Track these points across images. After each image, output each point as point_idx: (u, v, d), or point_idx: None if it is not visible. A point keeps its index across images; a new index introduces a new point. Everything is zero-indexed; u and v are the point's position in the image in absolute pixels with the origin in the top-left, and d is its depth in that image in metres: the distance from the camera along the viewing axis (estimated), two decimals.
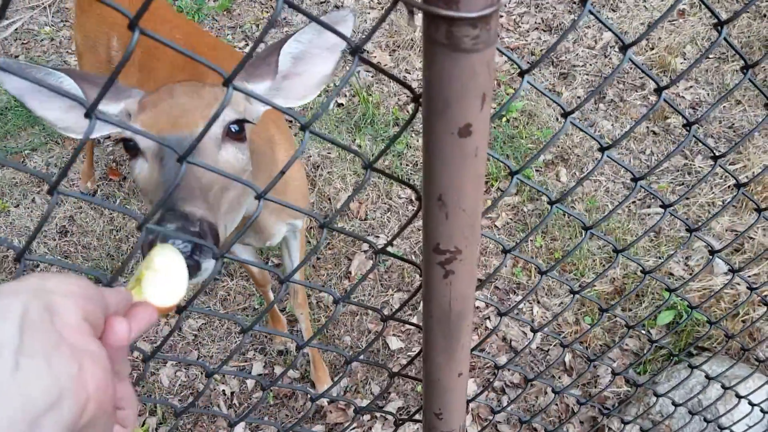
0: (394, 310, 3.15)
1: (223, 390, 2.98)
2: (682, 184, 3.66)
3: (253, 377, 1.14)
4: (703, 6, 4.64)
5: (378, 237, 3.46)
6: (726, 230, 3.40)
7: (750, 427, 2.39)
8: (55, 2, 4.92)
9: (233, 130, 1.38)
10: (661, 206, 1.17)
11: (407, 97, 4.08)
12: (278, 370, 3.04)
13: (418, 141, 3.78)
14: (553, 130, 3.87)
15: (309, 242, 3.41)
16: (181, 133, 1.29)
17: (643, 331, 2.24)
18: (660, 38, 4.33)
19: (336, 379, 2.95)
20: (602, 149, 1.02)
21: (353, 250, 3.42)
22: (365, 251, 3.42)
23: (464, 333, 1.04)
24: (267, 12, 4.81)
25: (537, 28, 4.58)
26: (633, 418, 2.53)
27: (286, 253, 2.59)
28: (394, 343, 3.09)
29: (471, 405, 2.84)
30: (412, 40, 4.42)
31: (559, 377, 2.97)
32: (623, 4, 4.63)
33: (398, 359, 3.04)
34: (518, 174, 0.99)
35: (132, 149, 1.34)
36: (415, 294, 1.09)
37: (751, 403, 2.19)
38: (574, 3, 4.71)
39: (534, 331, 1.43)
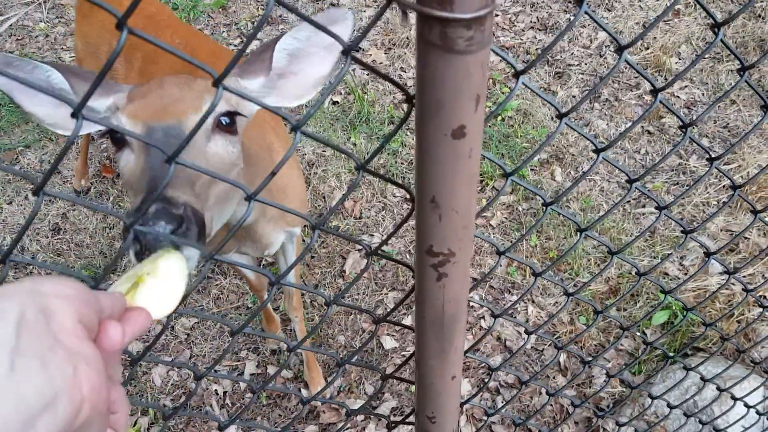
0: (388, 309, 3.14)
1: (216, 390, 2.96)
2: (677, 183, 3.66)
3: (244, 380, 1.13)
4: (698, 5, 4.64)
5: (372, 235, 3.45)
6: (721, 230, 3.40)
7: (746, 429, 2.39)
8: None
9: (224, 122, 1.34)
10: (656, 208, 1.17)
11: (402, 95, 4.07)
12: (271, 369, 3.02)
13: (413, 139, 3.77)
14: (548, 129, 3.86)
15: (304, 240, 3.40)
16: (169, 122, 1.25)
17: (638, 334, 2.24)
18: (655, 38, 4.33)
19: (329, 381, 2.94)
20: (597, 151, 1.01)
21: (348, 249, 3.41)
22: (359, 250, 3.41)
23: (458, 336, 1.03)
24: (263, 9, 4.78)
25: (532, 27, 4.58)
26: (628, 419, 2.52)
27: (281, 257, 2.58)
28: (388, 343, 3.08)
29: (465, 405, 2.83)
30: (407, 38, 4.41)
31: (554, 377, 2.96)
32: (618, 3, 4.63)
33: (392, 359, 3.03)
34: (513, 175, 0.98)
35: (118, 141, 1.31)
36: (409, 295, 1.08)
37: (746, 405, 2.19)
38: (570, 2, 4.70)
39: (528, 333, 1.42)
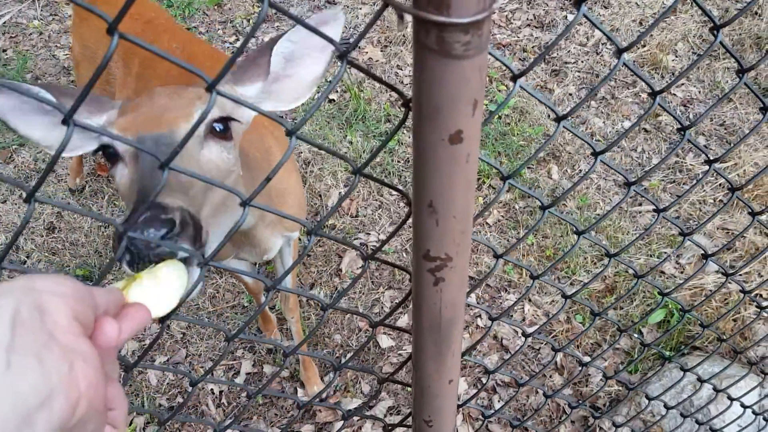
0: (385, 307, 3.13)
1: (212, 389, 2.95)
2: (674, 181, 3.65)
3: (240, 385, 1.12)
4: (694, 2, 4.62)
5: (369, 234, 3.44)
6: (717, 228, 3.40)
7: (742, 429, 2.39)
8: None
9: (217, 129, 1.32)
10: (654, 210, 1.16)
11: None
12: (267, 368, 3.01)
13: (410, 137, 3.76)
14: (544, 128, 3.85)
15: (300, 239, 3.39)
16: (159, 132, 1.23)
17: (635, 335, 2.24)
18: (652, 35, 4.32)
19: (325, 384, 2.94)
20: (595, 154, 1.01)
21: (344, 248, 3.40)
22: (356, 245, 3.40)
23: (455, 340, 1.02)
24: (258, 6, 4.76)
25: (529, 25, 4.57)
26: (625, 419, 2.52)
27: (278, 260, 2.57)
28: (385, 342, 3.08)
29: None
30: (404, 35, 4.40)
31: (551, 376, 2.96)
32: (615, 1, 4.62)
33: (389, 358, 3.02)
34: (510, 179, 0.97)
35: (112, 156, 1.29)
36: (406, 299, 1.08)
37: (743, 405, 2.19)
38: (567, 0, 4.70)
39: (525, 336, 1.41)
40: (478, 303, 3.21)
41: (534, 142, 3.80)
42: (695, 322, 2.93)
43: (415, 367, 1.08)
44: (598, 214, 3.48)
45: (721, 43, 0.90)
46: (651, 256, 3.30)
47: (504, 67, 4.18)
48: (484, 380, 2.91)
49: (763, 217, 3.11)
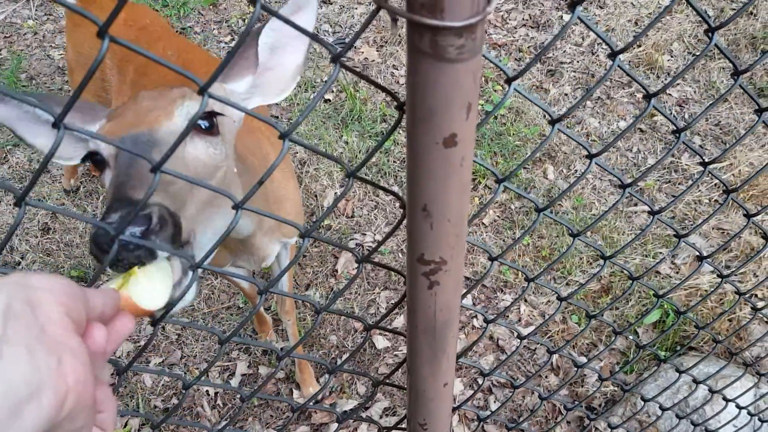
0: (380, 308, 3.13)
1: (207, 390, 2.94)
2: (669, 182, 3.66)
3: (233, 388, 1.12)
4: (689, 4, 4.63)
5: (365, 234, 3.44)
6: (712, 228, 3.40)
7: (738, 429, 2.39)
8: None
9: (203, 126, 1.29)
10: (649, 212, 1.16)
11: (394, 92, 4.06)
12: (263, 370, 3.01)
13: (405, 137, 3.75)
14: (540, 128, 3.85)
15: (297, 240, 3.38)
16: (139, 131, 1.21)
17: (630, 337, 2.24)
18: (647, 35, 4.32)
19: (321, 387, 2.93)
20: (590, 156, 1.00)
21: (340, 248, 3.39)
22: (351, 248, 3.39)
23: (450, 343, 1.01)
24: (253, 6, 4.75)
25: (525, 25, 4.56)
26: (620, 421, 2.52)
27: (275, 263, 2.56)
28: (381, 343, 3.07)
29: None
30: (400, 35, 4.39)
31: (546, 376, 2.96)
32: (610, 0, 4.62)
33: (384, 359, 3.02)
34: (505, 181, 0.97)
35: (100, 163, 1.27)
36: (400, 302, 1.07)
37: (738, 406, 2.19)
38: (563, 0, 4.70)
39: (521, 338, 1.41)
40: (473, 304, 3.21)
41: (530, 142, 3.80)
42: (691, 322, 2.93)
43: (410, 370, 1.07)
44: (594, 214, 3.48)
45: (716, 45, 0.90)
46: (646, 256, 3.30)
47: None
48: (480, 381, 2.90)
49: (757, 218, 3.12)
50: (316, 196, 3.58)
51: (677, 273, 3.24)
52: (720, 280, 1.55)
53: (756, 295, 3.06)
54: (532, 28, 4.54)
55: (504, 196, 3.57)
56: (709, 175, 3.62)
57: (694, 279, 3.10)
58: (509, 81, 0.81)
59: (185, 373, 3.00)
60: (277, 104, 4.05)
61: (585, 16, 4.76)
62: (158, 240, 0.99)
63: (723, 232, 3.39)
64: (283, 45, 1.37)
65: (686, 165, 3.71)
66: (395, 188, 3.60)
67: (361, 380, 2.97)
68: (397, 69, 4.25)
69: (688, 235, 1.29)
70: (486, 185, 3.61)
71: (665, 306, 3.01)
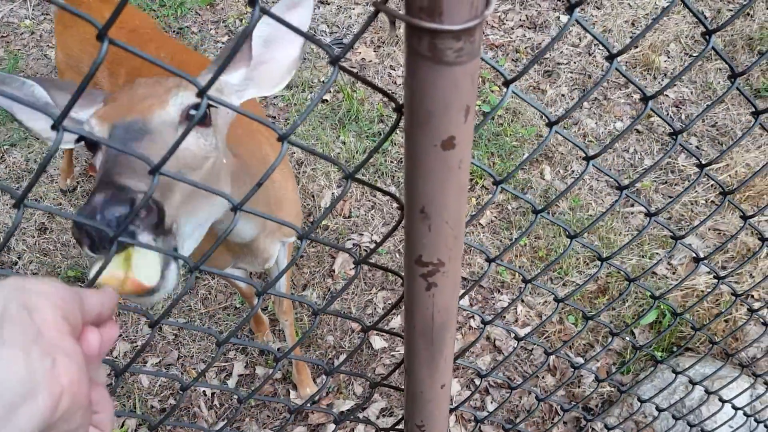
0: (377, 308, 3.13)
1: (204, 391, 2.94)
2: (666, 182, 3.66)
3: (230, 389, 1.12)
4: (686, 6, 4.64)
5: (362, 235, 3.44)
6: (709, 229, 3.41)
7: (734, 430, 2.40)
8: None
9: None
10: (646, 214, 1.16)
11: (392, 92, 4.06)
12: (260, 370, 3.01)
13: (403, 138, 3.76)
14: (537, 128, 3.86)
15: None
16: (132, 118, 1.20)
17: (626, 338, 2.24)
18: (644, 36, 4.33)
19: (317, 388, 2.93)
20: (587, 158, 1.00)
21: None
22: (349, 249, 3.39)
23: (447, 344, 1.02)
24: (251, 7, 4.74)
25: (522, 26, 4.57)
26: (617, 421, 2.53)
27: (274, 265, 2.56)
28: (378, 343, 3.08)
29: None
30: (397, 36, 4.39)
31: (543, 377, 2.96)
32: (607, 1, 4.63)
33: (381, 359, 3.02)
34: (502, 183, 0.97)
35: (92, 145, 1.27)
36: (398, 303, 1.07)
37: (734, 407, 2.19)
38: (559, 0, 4.70)
39: (518, 339, 1.41)
40: (471, 305, 3.21)
41: (527, 142, 3.81)
42: (687, 323, 2.93)
43: (407, 372, 1.08)
44: (591, 215, 3.48)
45: (713, 48, 0.90)
46: (643, 257, 3.31)
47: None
48: (477, 382, 2.91)
49: (753, 220, 3.13)
50: (313, 196, 3.58)
51: (674, 274, 3.25)
52: (717, 281, 1.55)
53: (752, 296, 3.07)
54: (529, 29, 4.54)
55: (501, 196, 3.58)
56: (706, 176, 3.63)
57: (690, 280, 3.11)
58: (507, 83, 0.82)
59: (182, 374, 3.00)
60: (274, 105, 4.05)
61: (582, 17, 4.76)
62: (141, 226, 1.00)
63: (719, 233, 3.39)
64: (278, 39, 1.38)
65: (683, 166, 3.72)
66: (392, 188, 3.60)
67: (359, 381, 2.98)
68: (395, 69, 4.25)
69: (684, 237, 1.30)
70: (483, 186, 3.62)
71: (662, 307, 3.02)
